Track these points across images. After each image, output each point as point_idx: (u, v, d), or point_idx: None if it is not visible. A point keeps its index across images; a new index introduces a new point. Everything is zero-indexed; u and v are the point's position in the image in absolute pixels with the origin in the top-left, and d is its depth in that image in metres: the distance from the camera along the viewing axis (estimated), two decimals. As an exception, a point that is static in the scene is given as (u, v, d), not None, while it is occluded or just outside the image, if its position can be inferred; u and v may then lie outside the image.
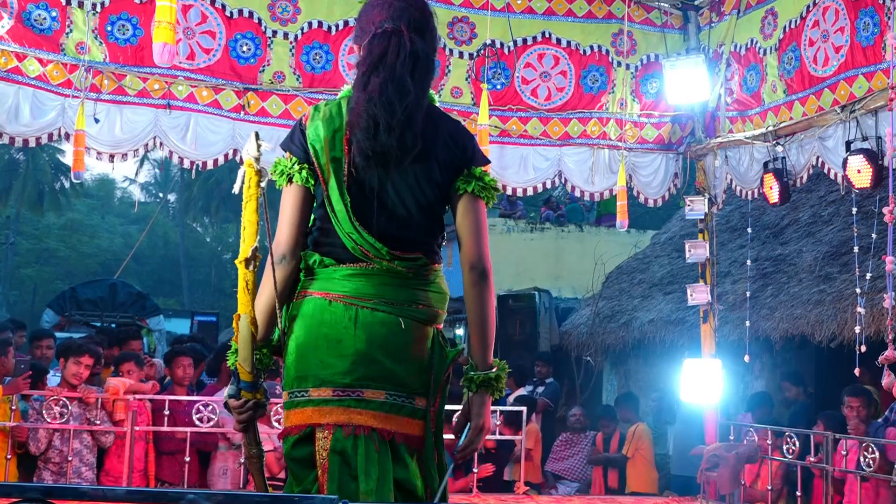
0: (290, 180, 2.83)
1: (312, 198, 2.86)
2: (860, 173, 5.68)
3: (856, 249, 6.48)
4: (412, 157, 2.77)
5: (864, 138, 5.79)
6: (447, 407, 2.95)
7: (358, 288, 2.77)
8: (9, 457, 5.89)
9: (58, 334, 11.34)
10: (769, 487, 6.76)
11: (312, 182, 2.83)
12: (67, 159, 28.97)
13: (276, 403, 6.39)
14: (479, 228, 2.87)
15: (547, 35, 7.28)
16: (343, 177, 2.78)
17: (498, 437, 7.22)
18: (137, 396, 6.29)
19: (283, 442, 2.81)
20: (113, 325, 12.71)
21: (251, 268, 2.72)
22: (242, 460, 6.38)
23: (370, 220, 2.78)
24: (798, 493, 6.39)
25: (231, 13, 6.67)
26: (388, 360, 2.76)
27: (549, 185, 7.72)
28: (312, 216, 2.87)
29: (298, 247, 2.84)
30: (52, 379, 6.88)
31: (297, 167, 2.83)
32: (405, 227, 2.81)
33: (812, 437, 6.33)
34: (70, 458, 6.00)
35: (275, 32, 6.77)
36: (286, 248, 2.82)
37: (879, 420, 6.19)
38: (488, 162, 3.04)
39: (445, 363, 2.85)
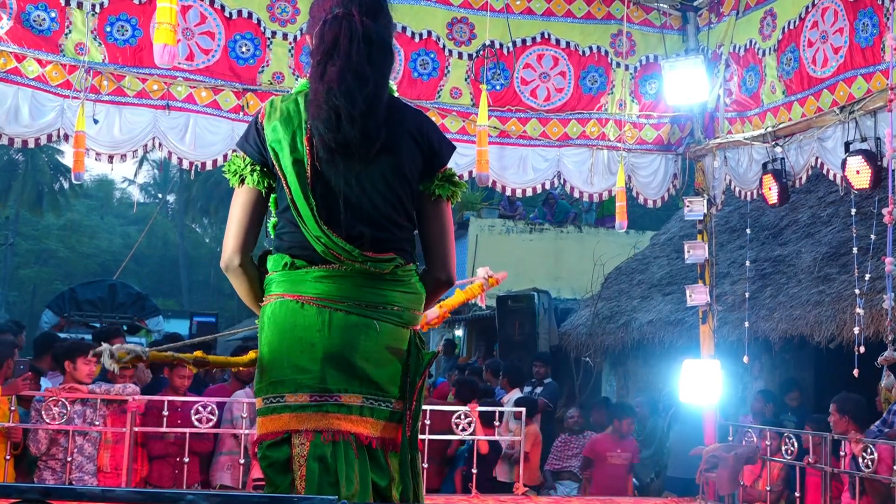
0: (241, 181, 2.76)
1: (265, 200, 2.79)
2: (859, 174, 5.68)
3: (855, 250, 6.48)
4: (377, 148, 2.69)
5: (864, 139, 5.79)
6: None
7: (330, 290, 2.69)
8: (7, 457, 5.88)
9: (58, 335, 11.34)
10: (768, 488, 6.77)
11: (265, 184, 2.76)
12: (66, 160, 29.02)
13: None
14: (450, 236, 2.86)
15: (546, 36, 7.28)
16: (307, 179, 2.69)
17: (497, 437, 7.23)
18: (137, 397, 6.28)
19: (258, 448, 2.75)
20: (107, 327, 12.70)
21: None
22: (242, 460, 6.39)
23: (338, 223, 2.69)
24: (797, 494, 6.40)
25: (230, 14, 6.67)
26: (364, 363, 2.70)
27: (548, 186, 7.73)
28: (277, 219, 2.80)
29: (248, 249, 2.79)
30: (47, 381, 6.84)
31: (249, 168, 2.75)
32: (376, 227, 2.72)
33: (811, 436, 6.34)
34: (70, 459, 5.99)
35: (274, 33, 6.77)
36: (232, 255, 2.77)
37: (876, 424, 6.17)
38: (454, 148, 2.96)
39: (422, 366, 2.80)
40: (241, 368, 3.02)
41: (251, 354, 2.91)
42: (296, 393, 2.68)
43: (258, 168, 2.75)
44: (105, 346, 2.71)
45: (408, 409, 2.76)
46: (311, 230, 2.68)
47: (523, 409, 7.25)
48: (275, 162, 2.72)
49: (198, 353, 2.86)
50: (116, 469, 6.21)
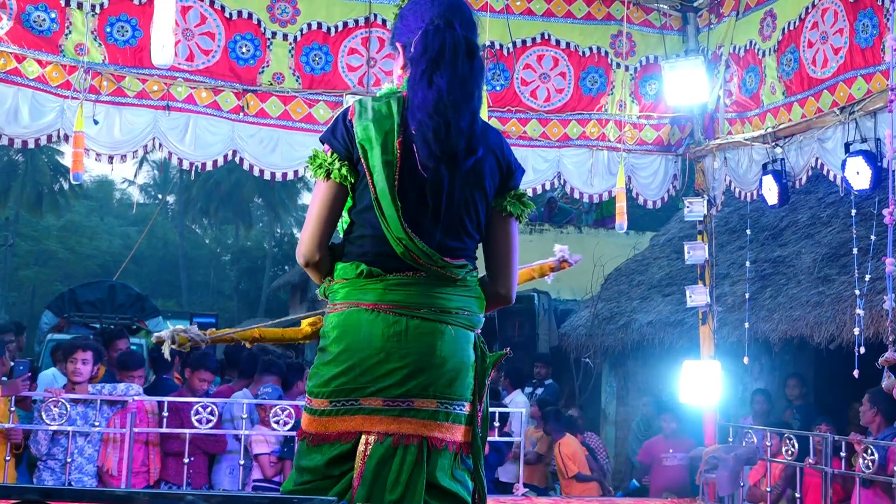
0: (327, 176, 2.77)
1: (346, 196, 2.81)
2: (859, 175, 5.68)
3: (855, 251, 6.48)
4: (472, 161, 2.75)
5: (864, 140, 5.80)
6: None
7: (406, 298, 2.74)
8: (7, 458, 5.88)
9: (57, 336, 11.36)
10: (768, 488, 6.76)
11: (350, 181, 2.78)
12: (66, 161, 28.98)
13: (275, 405, 6.40)
14: (515, 253, 2.93)
15: (546, 36, 7.28)
16: (394, 181, 2.71)
17: (498, 438, 7.21)
18: (136, 397, 6.28)
19: (317, 446, 2.75)
20: (112, 327, 12.68)
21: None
22: (242, 462, 6.38)
23: (422, 226, 2.73)
24: (797, 495, 6.39)
25: (230, 14, 6.67)
26: (439, 368, 2.74)
27: (548, 187, 7.72)
28: (352, 220, 2.83)
29: (326, 244, 2.82)
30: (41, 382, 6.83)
31: (336, 164, 2.77)
32: (453, 235, 2.78)
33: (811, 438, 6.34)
34: (69, 460, 5.99)
35: (274, 34, 6.77)
36: (314, 251, 2.79)
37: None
38: (524, 171, 3.04)
39: (488, 367, 2.87)
40: (299, 342, 3.03)
41: (307, 327, 2.92)
42: (370, 398, 2.72)
43: (345, 164, 2.77)
44: (166, 332, 2.74)
45: (477, 411, 2.82)
46: (394, 231, 2.71)
47: (522, 411, 7.25)
48: (362, 159, 2.74)
49: (255, 331, 2.89)
50: (141, 468, 6.27)
